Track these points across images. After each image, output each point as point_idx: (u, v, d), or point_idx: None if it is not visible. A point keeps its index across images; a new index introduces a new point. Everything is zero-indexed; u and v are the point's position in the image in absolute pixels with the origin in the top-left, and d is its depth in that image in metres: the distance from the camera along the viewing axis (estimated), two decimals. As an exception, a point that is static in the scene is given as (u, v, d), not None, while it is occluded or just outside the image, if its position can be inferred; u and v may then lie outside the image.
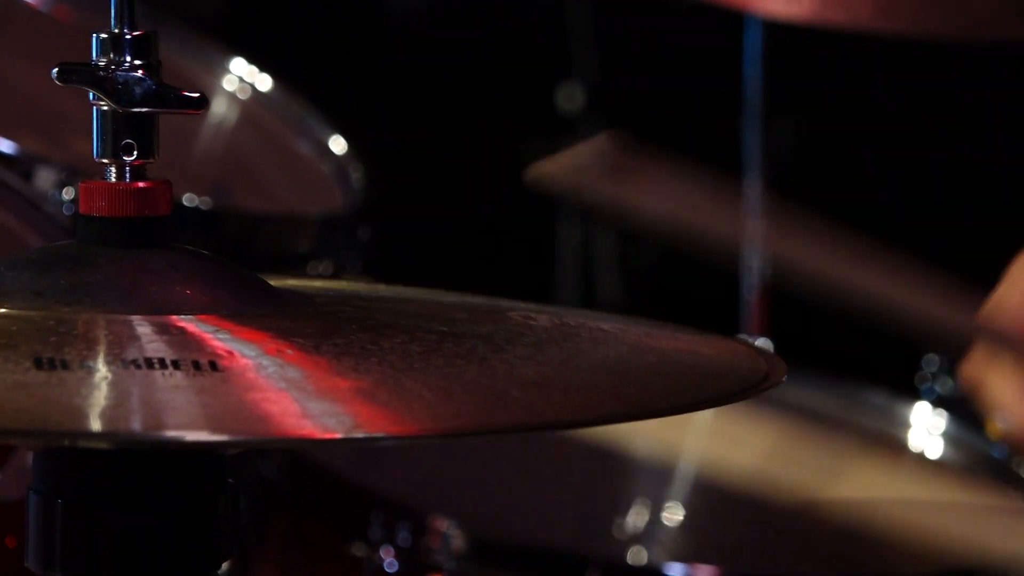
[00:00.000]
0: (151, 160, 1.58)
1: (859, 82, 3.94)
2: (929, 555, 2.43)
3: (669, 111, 3.82)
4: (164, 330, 1.52)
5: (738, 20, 2.80)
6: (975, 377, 1.95)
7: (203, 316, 1.55)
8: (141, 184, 1.58)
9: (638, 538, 2.62)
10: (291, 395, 1.48)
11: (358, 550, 2.39)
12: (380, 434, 1.47)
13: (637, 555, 2.59)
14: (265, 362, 1.50)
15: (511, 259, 3.90)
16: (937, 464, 2.64)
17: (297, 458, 2.29)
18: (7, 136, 2.41)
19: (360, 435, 1.47)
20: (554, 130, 3.84)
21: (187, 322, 1.53)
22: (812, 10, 2.57)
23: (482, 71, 4.03)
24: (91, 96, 1.57)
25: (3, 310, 1.54)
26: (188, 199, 2.47)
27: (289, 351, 1.52)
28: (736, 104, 2.86)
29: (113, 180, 1.57)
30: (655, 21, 3.63)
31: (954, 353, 2.67)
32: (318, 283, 1.82)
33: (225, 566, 2.04)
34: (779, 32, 2.79)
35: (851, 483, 2.70)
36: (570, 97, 3.83)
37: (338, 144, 2.69)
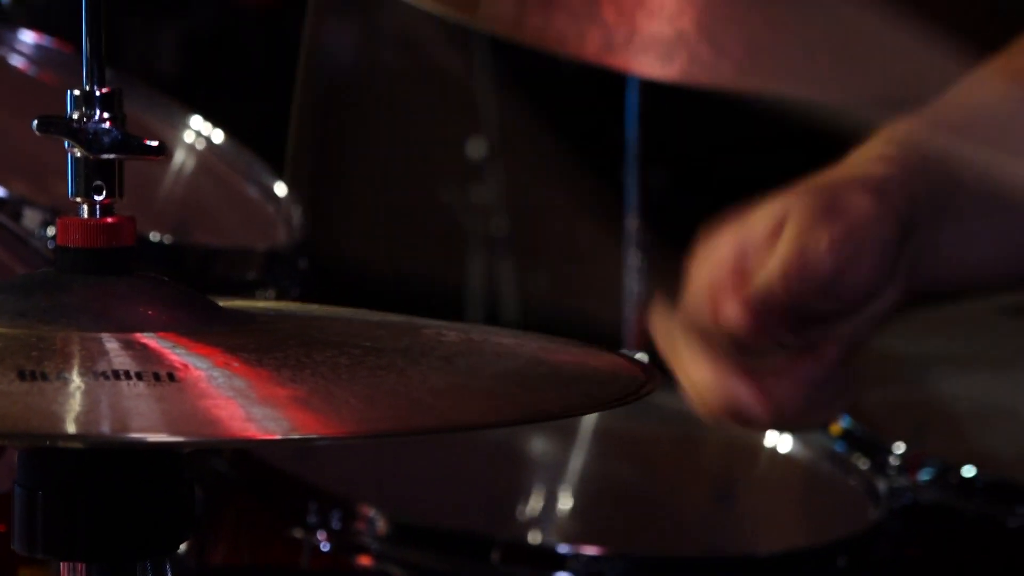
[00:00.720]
0: (118, 199, 1.57)
1: (723, 133, 3.93)
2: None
3: (561, 159, 3.82)
4: (129, 346, 1.51)
5: (620, 80, 2.78)
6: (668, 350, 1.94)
7: (163, 333, 1.54)
8: (109, 220, 1.57)
9: (535, 522, 2.61)
10: (237, 402, 1.47)
11: (297, 533, 2.38)
12: (313, 436, 1.47)
13: (534, 537, 2.58)
14: (215, 373, 1.50)
15: (426, 284, 3.89)
16: (786, 456, 2.63)
17: (244, 455, 2.28)
18: (3, 184, 2.39)
19: (296, 436, 1.47)
20: (463, 176, 3.82)
21: (149, 339, 1.52)
22: (683, 71, 2.56)
23: (403, 125, 4.01)
24: (66, 144, 1.56)
25: (-6, 327, 1.52)
26: (153, 235, 2.45)
27: (236, 364, 1.51)
28: (619, 152, 2.85)
29: (85, 216, 1.56)
30: (549, 81, 3.63)
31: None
32: (261, 304, 1.80)
33: (183, 547, 2.04)
34: (655, 90, 2.77)
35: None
36: (477, 148, 3.81)
37: (280, 188, 2.68)
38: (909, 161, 1.89)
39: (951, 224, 1.90)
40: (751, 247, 1.86)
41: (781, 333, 1.85)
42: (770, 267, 1.81)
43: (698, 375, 1.90)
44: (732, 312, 1.84)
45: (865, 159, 1.92)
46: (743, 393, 1.86)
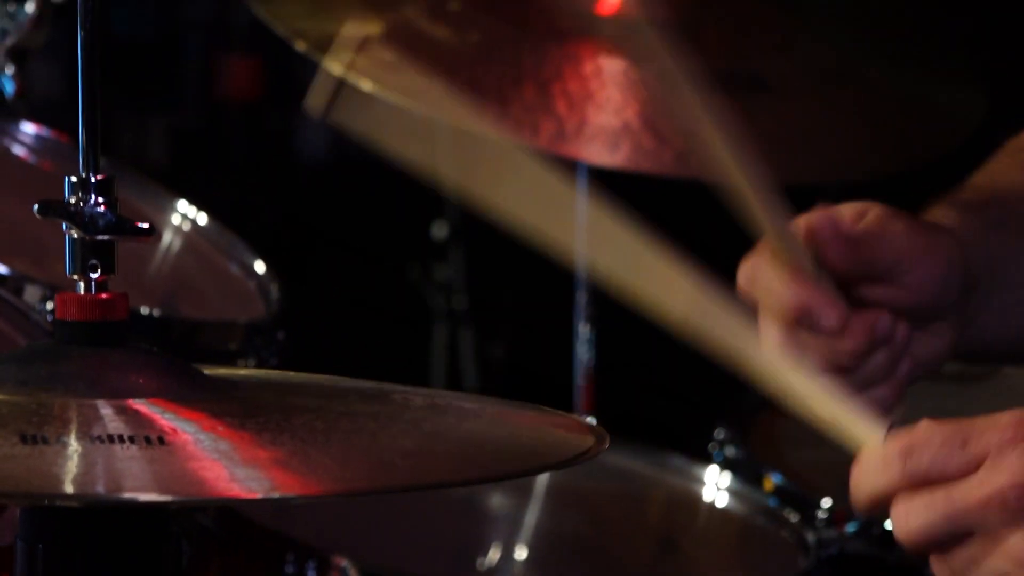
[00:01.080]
0: (111, 276, 1.56)
1: (661, 213, 3.94)
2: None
3: (516, 240, 3.82)
4: (122, 411, 1.51)
5: (570, 166, 2.78)
6: (750, 276, 1.84)
7: (153, 400, 1.54)
8: (104, 296, 1.57)
9: (493, 572, 2.59)
10: (222, 463, 1.47)
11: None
12: (292, 495, 1.47)
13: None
14: (202, 437, 1.50)
15: (394, 353, 3.89)
16: (723, 510, 2.62)
17: (227, 511, 2.26)
18: (7, 262, 2.38)
19: (276, 496, 1.47)
20: (428, 256, 3.83)
21: (141, 405, 1.52)
22: (628, 159, 2.56)
23: (372, 209, 4.02)
24: (64, 226, 1.55)
25: (-1, 396, 1.52)
26: (143, 309, 2.45)
27: (220, 428, 1.52)
28: None
29: (82, 292, 1.56)
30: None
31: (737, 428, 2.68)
32: (242, 372, 1.80)
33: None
34: (602, 176, 2.77)
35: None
36: (440, 230, 3.81)
37: (260, 266, 2.67)
38: (971, 225, 1.84)
39: (1001, 292, 1.86)
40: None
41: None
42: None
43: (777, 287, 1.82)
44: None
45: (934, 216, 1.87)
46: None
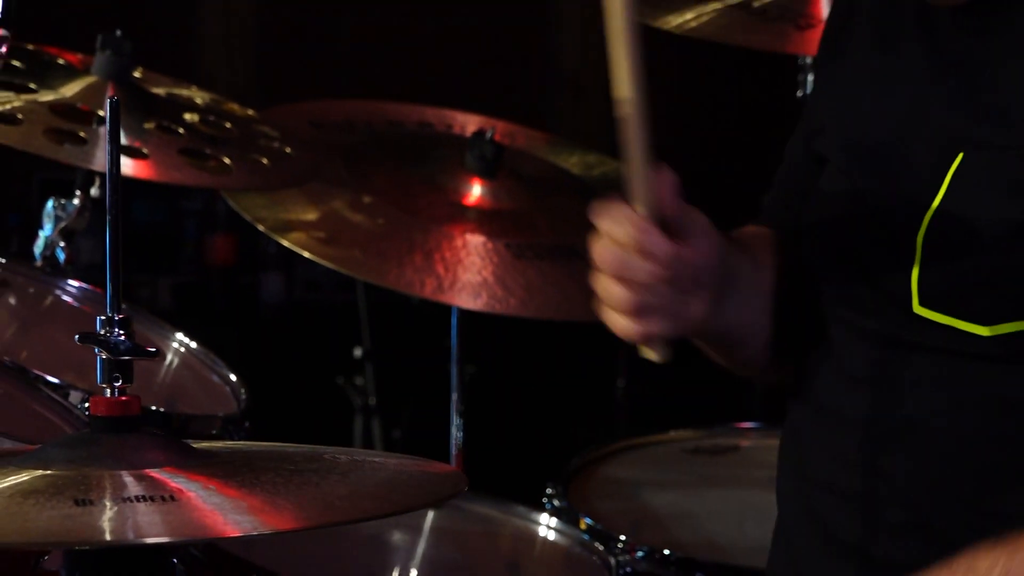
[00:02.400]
0: (129, 385, 1.56)
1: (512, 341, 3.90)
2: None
3: (410, 360, 3.82)
4: (141, 479, 1.50)
5: (447, 309, 2.77)
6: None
7: (165, 468, 1.52)
8: (124, 398, 1.56)
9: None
10: (216, 512, 1.46)
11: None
12: (265, 531, 1.45)
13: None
14: (201, 493, 1.49)
15: (326, 434, 3.87)
16: (553, 541, 2.61)
17: (209, 544, 2.23)
18: (53, 375, 2.37)
19: (254, 532, 1.44)
20: (350, 369, 3.81)
21: (155, 473, 1.51)
22: (485, 304, 2.57)
23: (312, 337, 3.99)
24: (96, 350, 1.55)
25: (52, 472, 1.51)
26: (153, 406, 2.43)
27: (212, 485, 1.51)
28: (446, 353, 2.83)
29: (109, 396, 1.55)
30: (404, 315, 3.64)
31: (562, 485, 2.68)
32: (220, 444, 1.80)
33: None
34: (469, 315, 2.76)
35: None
36: (358, 351, 3.80)
37: (232, 377, 2.66)
38: (729, 243, 1.75)
39: (735, 293, 1.76)
40: None
41: None
42: None
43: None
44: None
45: None
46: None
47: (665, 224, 1.63)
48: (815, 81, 1.90)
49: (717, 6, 2.76)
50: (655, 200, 1.63)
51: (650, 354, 1.65)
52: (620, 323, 1.64)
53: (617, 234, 1.62)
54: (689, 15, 2.78)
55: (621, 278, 1.63)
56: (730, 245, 1.74)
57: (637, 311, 1.63)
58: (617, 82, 1.65)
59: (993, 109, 1.62)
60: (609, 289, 1.64)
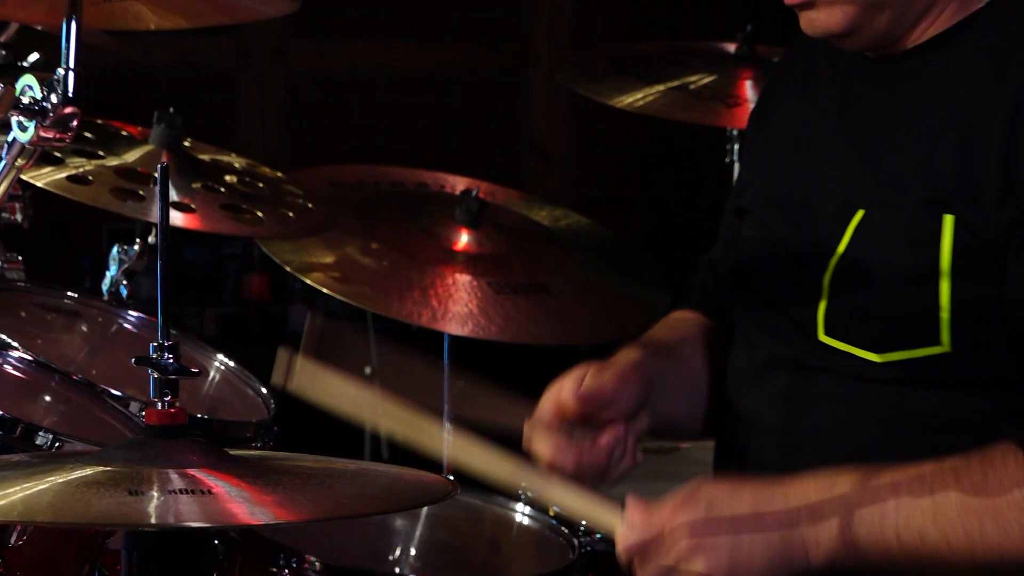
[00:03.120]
0: (176, 399, 1.55)
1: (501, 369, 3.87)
2: None
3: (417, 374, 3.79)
4: (184, 476, 1.50)
5: (440, 335, 2.74)
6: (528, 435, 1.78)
7: (202, 468, 1.52)
8: (172, 409, 1.55)
9: (397, 562, 2.55)
10: (243, 505, 1.46)
11: (273, 570, 2.31)
12: (283, 521, 1.46)
13: (398, 570, 2.52)
14: (231, 489, 1.49)
15: (341, 441, 3.83)
16: (527, 525, 2.59)
17: (247, 530, 2.20)
18: (116, 389, 2.35)
19: (275, 522, 1.47)
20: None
21: (195, 472, 1.51)
22: (472, 331, 2.56)
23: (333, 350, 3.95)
24: (149, 371, 1.54)
25: (111, 468, 1.50)
26: (197, 415, 2.42)
27: (242, 484, 1.50)
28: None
29: (160, 408, 1.54)
30: (404, 340, 3.61)
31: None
32: (252, 452, 1.78)
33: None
34: (462, 340, 2.73)
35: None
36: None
37: (263, 390, 2.64)
38: (646, 355, 1.78)
39: (662, 392, 1.78)
40: None
41: None
42: None
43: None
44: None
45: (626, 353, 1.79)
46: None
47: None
48: (743, 148, 1.89)
49: (660, 88, 2.77)
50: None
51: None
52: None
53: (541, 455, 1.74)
54: (638, 95, 2.78)
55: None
56: (651, 361, 1.76)
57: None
58: None
59: (887, 173, 1.62)
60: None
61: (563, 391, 1.71)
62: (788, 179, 1.73)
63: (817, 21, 1.64)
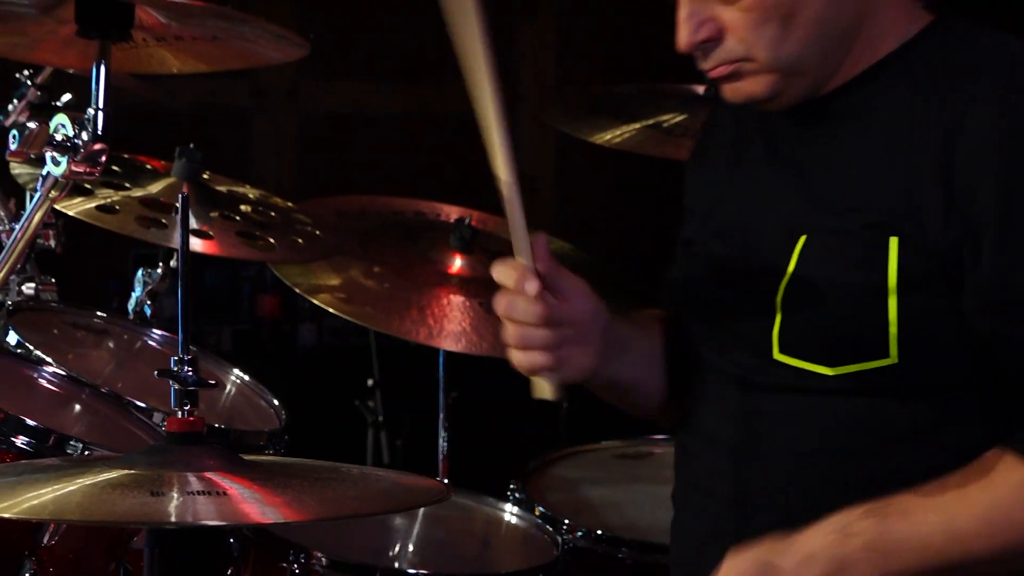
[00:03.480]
0: (195, 409, 1.55)
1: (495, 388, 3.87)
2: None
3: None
4: (201, 479, 1.51)
5: (435, 351, 2.72)
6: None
7: (218, 472, 1.53)
8: (191, 419, 1.56)
9: (396, 558, 2.54)
10: (255, 505, 1.48)
11: (283, 565, 2.30)
12: (292, 520, 1.46)
13: (397, 565, 2.51)
14: (243, 491, 1.50)
15: (347, 444, 3.81)
16: (515, 524, 2.58)
17: (259, 528, 2.19)
18: (141, 400, 2.35)
19: (284, 521, 1.51)
20: (364, 395, 3.77)
21: (211, 475, 1.52)
22: (466, 347, 2.55)
23: (337, 374, 3.93)
24: (171, 383, 1.54)
25: (135, 471, 1.50)
26: (216, 424, 2.41)
27: (254, 486, 1.51)
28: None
29: (180, 417, 1.54)
30: (404, 355, 3.61)
31: (522, 482, 2.66)
32: (264, 458, 1.78)
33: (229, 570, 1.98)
34: (457, 356, 2.72)
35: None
36: (370, 381, 3.77)
37: (275, 402, 2.63)
38: (615, 319, 1.68)
39: (620, 357, 1.70)
40: None
41: None
42: None
43: None
44: None
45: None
46: None
47: (549, 285, 1.57)
48: (686, 179, 1.84)
49: (636, 126, 2.77)
50: (532, 257, 1.57)
51: (543, 393, 1.61)
52: (514, 357, 1.61)
53: (505, 281, 1.58)
54: (616, 133, 2.78)
55: (510, 318, 1.59)
56: (619, 316, 1.70)
57: (523, 346, 1.59)
58: (496, 167, 1.57)
59: (826, 201, 1.59)
60: (505, 329, 1.60)
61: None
62: (728, 211, 1.70)
63: (740, 90, 1.60)
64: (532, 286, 1.55)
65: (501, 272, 1.59)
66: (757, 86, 1.59)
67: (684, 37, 1.57)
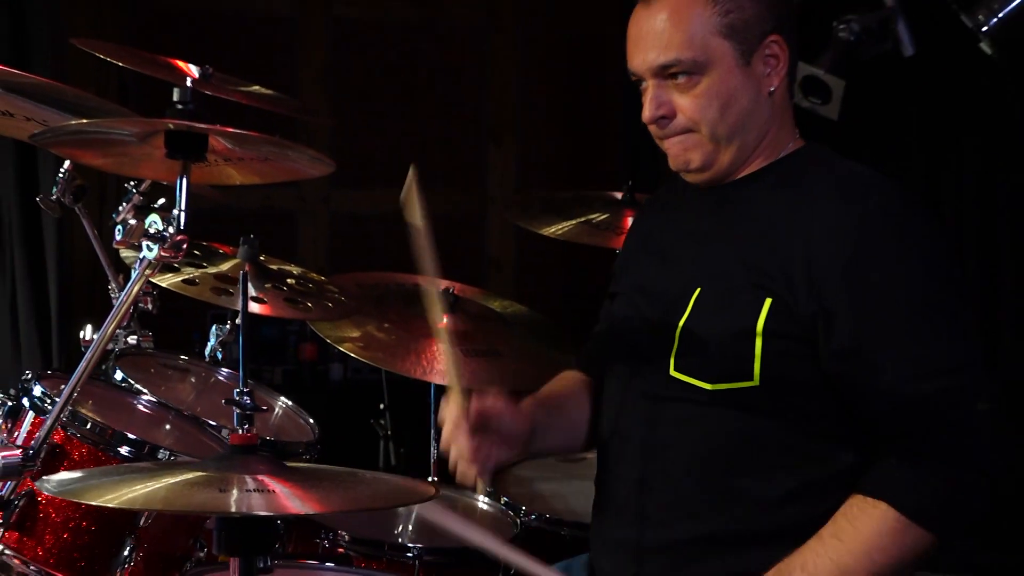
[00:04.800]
0: (252, 427, 1.53)
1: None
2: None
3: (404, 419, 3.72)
4: (255, 480, 1.49)
5: (427, 386, 2.68)
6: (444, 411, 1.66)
7: (267, 475, 1.51)
8: (248, 434, 1.54)
9: (402, 534, 2.50)
10: (294, 500, 1.44)
11: (317, 540, 2.28)
12: (324, 511, 1.46)
13: (402, 540, 2.46)
14: (284, 490, 1.49)
15: (362, 454, 3.74)
16: (485, 509, 2.54)
17: (300, 516, 2.15)
18: (213, 420, 2.32)
19: (315, 512, 1.46)
20: (377, 416, 3.71)
21: (262, 477, 1.49)
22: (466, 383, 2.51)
23: (359, 403, 3.85)
24: (234, 410, 1.52)
25: (207, 473, 1.48)
26: (268, 437, 2.38)
27: (293, 487, 1.49)
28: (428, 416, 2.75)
29: (239, 434, 1.52)
30: (406, 387, 3.57)
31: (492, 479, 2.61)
32: (302, 465, 1.74)
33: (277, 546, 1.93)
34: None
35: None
36: (382, 407, 3.70)
37: (311, 421, 2.60)
38: (534, 406, 1.72)
39: (545, 434, 1.74)
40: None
41: None
42: None
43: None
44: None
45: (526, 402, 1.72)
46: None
47: (477, 426, 1.62)
48: (620, 250, 1.89)
49: (573, 222, 2.77)
50: (465, 403, 1.63)
51: (478, 490, 1.65)
52: (459, 469, 1.64)
53: (448, 417, 1.64)
54: (559, 226, 2.78)
55: (449, 445, 1.64)
56: (538, 410, 1.71)
57: (458, 460, 1.63)
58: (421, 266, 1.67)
59: (719, 266, 1.60)
60: (447, 447, 1.64)
61: (475, 402, 1.64)
62: (648, 272, 1.72)
63: (682, 156, 1.62)
64: (463, 436, 1.61)
65: (444, 412, 1.65)
66: (696, 153, 1.61)
67: (648, 112, 1.60)
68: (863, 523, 1.44)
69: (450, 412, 1.63)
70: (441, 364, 2.50)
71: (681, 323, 1.59)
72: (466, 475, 1.62)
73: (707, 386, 1.55)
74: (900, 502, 1.43)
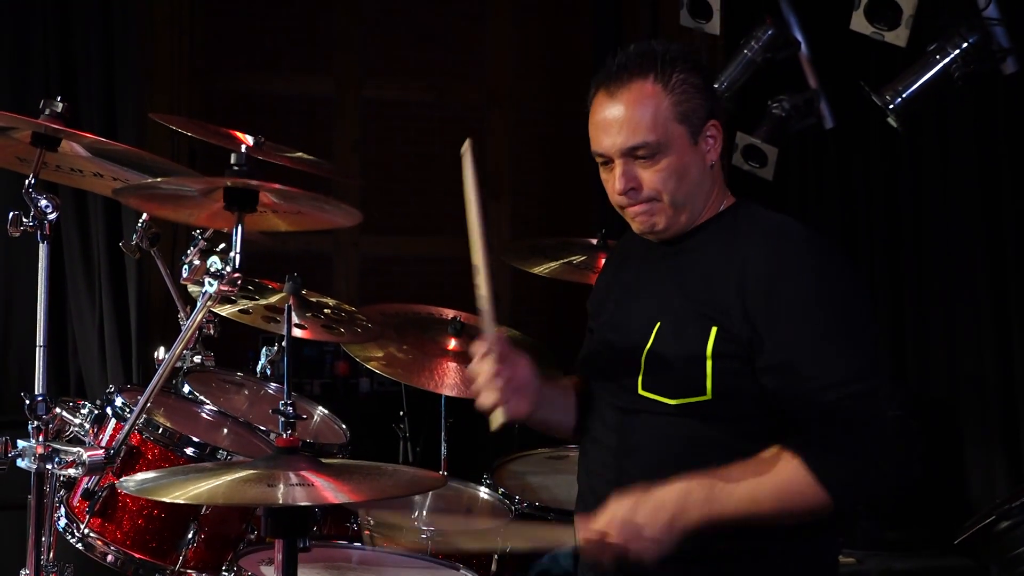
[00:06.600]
0: (295, 432, 1.50)
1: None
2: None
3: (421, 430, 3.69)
4: (297, 475, 1.47)
5: (437, 397, 2.66)
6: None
7: (308, 471, 1.48)
8: (291, 438, 1.52)
9: (416, 519, 2.47)
10: (330, 491, 1.42)
11: (348, 524, 2.25)
12: (348, 500, 1.40)
13: (417, 523, 2.44)
14: (323, 483, 1.46)
15: (385, 450, 3.68)
16: (486, 499, 2.52)
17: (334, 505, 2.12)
18: (263, 425, 2.29)
19: (348, 501, 1.40)
20: (398, 422, 3.67)
21: (304, 473, 1.47)
22: (459, 394, 2.50)
23: (384, 413, 3.82)
24: (280, 419, 1.49)
25: (257, 470, 1.46)
26: (308, 439, 2.36)
27: (330, 480, 1.46)
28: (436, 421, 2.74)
29: (284, 437, 1.50)
30: (421, 397, 3.54)
31: (492, 474, 2.58)
32: (335, 461, 1.72)
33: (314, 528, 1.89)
34: (456, 402, 2.66)
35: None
36: (402, 415, 3.67)
37: (344, 426, 2.57)
38: (544, 384, 1.64)
39: (545, 405, 1.65)
40: None
41: None
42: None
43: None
44: None
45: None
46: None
47: (502, 356, 1.56)
48: (592, 293, 1.85)
49: (557, 263, 2.77)
50: (495, 339, 1.56)
51: (495, 423, 1.59)
52: (477, 399, 1.57)
53: (476, 350, 1.57)
54: (547, 266, 2.78)
55: (476, 372, 1.57)
56: (548, 381, 1.68)
57: (481, 389, 1.56)
58: (478, 287, 1.55)
59: (674, 303, 1.61)
60: (474, 380, 1.57)
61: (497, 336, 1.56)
62: (615, 309, 1.73)
63: (647, 220, 1.64)
64: (488, 350, 1.55)
65: (475, 346, 1.59)
66: (660, 217, 1.62)
67: (620, 186, 1.60)
68: (781, 469, 1.45)
69: (480, 345, 1.55)
70: (450, 378, 2.49)
71: (646, 351, 1.59)
72: (487, 400, 1.53)
73: (671, 401, 1.56)
74: (813, 465, 1.44)
